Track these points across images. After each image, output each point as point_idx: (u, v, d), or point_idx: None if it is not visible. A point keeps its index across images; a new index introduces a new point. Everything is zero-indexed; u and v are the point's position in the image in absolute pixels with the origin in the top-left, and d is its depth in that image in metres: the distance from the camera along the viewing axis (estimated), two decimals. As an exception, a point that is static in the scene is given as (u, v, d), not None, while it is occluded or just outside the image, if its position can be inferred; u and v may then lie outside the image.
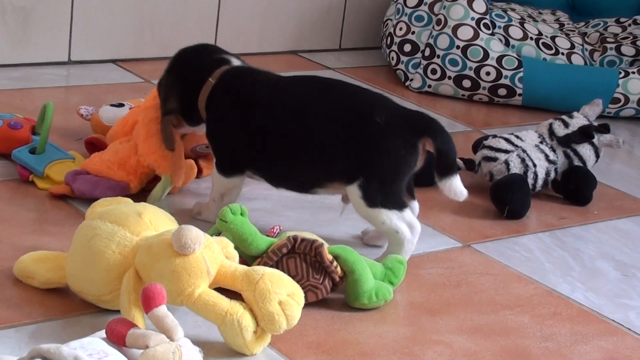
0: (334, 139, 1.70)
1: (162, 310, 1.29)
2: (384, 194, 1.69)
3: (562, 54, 2.89)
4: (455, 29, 2.75)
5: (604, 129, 2.19)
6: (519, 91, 2.75)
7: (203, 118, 1.81)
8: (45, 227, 1.76)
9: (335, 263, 1.58)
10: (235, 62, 1.84)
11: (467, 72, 2.75)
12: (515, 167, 2.11)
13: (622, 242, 2.02)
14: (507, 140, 2.16)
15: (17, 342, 1.40)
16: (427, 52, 2.79)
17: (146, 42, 2.71)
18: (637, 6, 3.21)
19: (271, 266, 1.54)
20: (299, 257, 1.58)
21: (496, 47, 2.74)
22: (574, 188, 2.16)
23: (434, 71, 2.78)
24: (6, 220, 1.75)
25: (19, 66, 2.55)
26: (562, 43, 2.93)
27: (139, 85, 2.52)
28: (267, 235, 1.63)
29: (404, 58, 2.85)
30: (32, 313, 1.47)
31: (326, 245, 1.59)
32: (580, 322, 1.68)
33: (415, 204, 1.77)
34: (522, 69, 2.73)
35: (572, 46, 2.93)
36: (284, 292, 1.42)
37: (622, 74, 2.75)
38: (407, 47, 2.84)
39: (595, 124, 2.21)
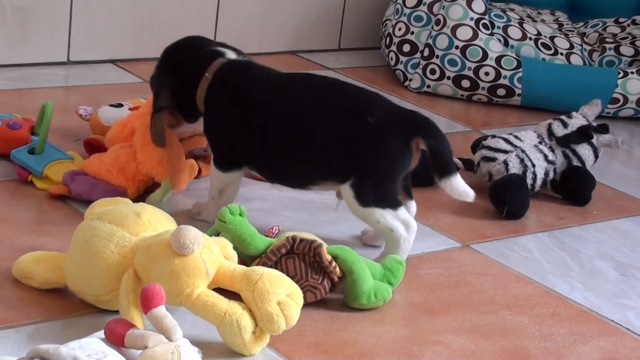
0: (326, 138, 1.70)
1: (161, 310, 1.29)
2: (377, 193, 1.69)
3: (561, 54, 2.90)
4: (454, 29, 2.75)
5: (603, 129, 2.19)
6: (518, 91, 2.75)
7: (201, 113, 1.81)
8: (44, 227, 1.76)
9: (334, 263, 1.58)
10: (229, 54, 1.83)
11: (466, 72, 2.75)
12: (514, 167, 2.11)
13: (621, 242, 2.02)
14: (506, 140, 2.16)
15: (16, 342, 1.40)
16: (426, 52, 2.79)
17: (145, 42, 2.71)
18: (636, 6, 3.21)
19: (270, 266, 1.54)
20: (298, 258, 1.58)
21: (495, 47, 2.74)
22: (573, 188, 2.16)
23: (433, 71, 2.78)
24: (5, 221, 1.75)
25: (18, 66, 2.55)
26: (561, 43, 2.93)
27: (138, 85, 2.52)
28: (266, 236, 1.63)
29: (403, 58, 2.85)
30: (31, 313, 1.47)
31: (325, 246, 1.59)
32: (579, 322, 1.68)
33: (412, 204, 1.77)
34: (521, 69, 2.73)
35: (571, 46, 2.93)
36: (282, 293, 1.42)
37: (621, 74, 2.75)
38: (406, 47, 2.84)
39: (594, 124, 2.21)
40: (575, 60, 2.89)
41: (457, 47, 2.74)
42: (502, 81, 2.74)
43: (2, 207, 1.81)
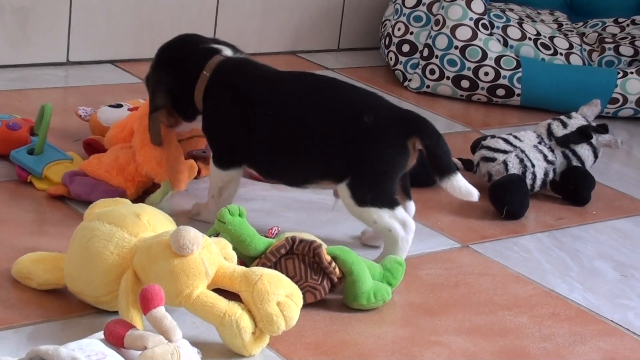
0: (323, 137, 1.70)
1: (161, 311, 1.29)
2: (374, 193, 1.69)
3: (561, 54, 2.90)
4: (453, 29, 2.75)
5: (603, 129, 2.19)
6: (517, 91, 2.75)
7: (200, 111, 1.81)
8: (43, 228, 1.76)
9: (333, 264, 1.58)
10: (225, 51, 1.83)
11: (465, 72, 2.75)
12: (514, 168, 2.11)
13: (620, 242, 2.02)
14: (505, 140, 2.16)
15: (15, 343, 1.40)
16: (426, 53, 2.79)
17: (145, 42, 2.71)
18: (636, 6, 3.21)
19: (269, 267, 1.54)
20: (298, 258, 1.57)
21: (494, 48, 2.74)
22: (573, 188, 2.16)
23: (432, 71, 2.78)
24: (4, 221, 1.75)
25: (18, 67, 2.54)
26: (561, 43, 2.93)
27: (138, 86, 2.52)
28: (266, 236, 1.63)
29: (402, 58, 2.85)
30: (30, 314, 1.47)
31: (324, 246, 1.59)
32: (578, 322, 1.68)
33: (411, 204, 1.77)
34: (520, 69, 2.73)
35: (571, 46, 2.93)
36: (282, 293, 1.42)
37: (621, 74, 2.75)
38: (406, 48, 2.84)
39: (594, 124, 2.21)
40: (575, 60, 2.89)
41: (456, 47, 2.74)
42: (501, 81, 2.74)
43: (1, 207, 1.80)
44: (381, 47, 2.98)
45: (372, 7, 3.13)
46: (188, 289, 1.41)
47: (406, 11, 2.86)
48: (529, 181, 2.11)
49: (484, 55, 2.73)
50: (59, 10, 2.57)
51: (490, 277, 1.80)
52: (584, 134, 2.17)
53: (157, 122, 1.82)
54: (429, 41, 2.78)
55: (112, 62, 2.68)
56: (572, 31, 3.06)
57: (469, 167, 2.18)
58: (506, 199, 2.04)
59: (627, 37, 3.02)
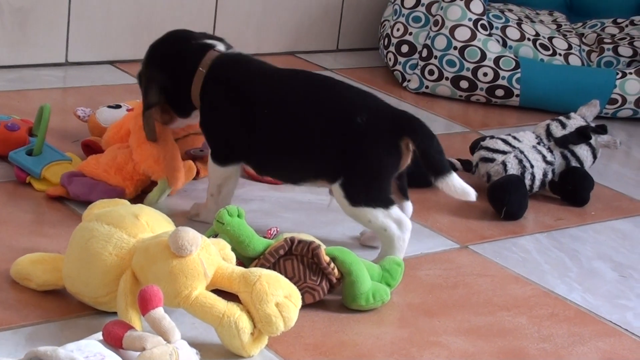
0: (316, 137, 1.71)
1: (159, 312, 1.29)
2: (367, 192, 1.69)
3: (560, 54, 2.90)
4: (452, 29, 2.75)
5: (601, 130, 2.19)
6: (516, 92, 2.75)
7: (195, 107, 1.81)
8: (42, 228, 1.76)
9: (332, 265, 1.58)
10: (218, 46, 1.83)
11: (464, 73, 2.75)
12: (513, 168, 2.11)
13: (619, 242, 2.02)
14: (504, 141, 2.16)
15: (14, 344, 1.40)
16: (425, 53, 2.79)
17: (144, 43, 2.68)
18: (635, 7, 3.22)
19: (268, 268, 1.54)
20: (296, 259, 1.57)
21: (493, 48, 2.74)
22: (572, 189, 2.16)
23: (431, 72, 2.78)
24: (3, 222, 1.75)
25: (16, 67, 2.54)
26: (560, 44, 2.93)
27: (137, 86, 2.50)
28: (264, 237, 1.63)
29: (401, 59, 2.85)
30: (29, 315, 1.47)
31: (323, 247, 1.59)
32: (577, 323, 1.68)
33: (408, 204, 1.77)
34: (519, 70, 2.73)
35: (570, 47, 2.93)
36: (281, 294, 1.42)
37: (620, 75, 2.75)
38: (405, 48, 2.84)
39: (593, 124, 2.21)
40: (574, 60, 2.90)
41: (455, 48, 2.74)
42: (500, 82, 2.74)
43: (0, 208, 1.80)
44: (380, 47, 2.98)
45: (371, 8, 3.13)
46: (187, 289, 1.41)
47: (405, 12, 2.86)
48: (527, 182, 2.11)
49: (483, 56, 2.73)
50: (58, 10, 2.57)
51: (489, 278, 1.80)
52: (582, 135, 2.17)
53: (151, 119, 1.83)
54: (428, 42, 2.78)
55: (111, 62, 2.68)
56: (571, 32, 3.06)
57: (467, 168, 2.18)
58: (505, 200, 2.04)
59: (626, 38, 3.02)
